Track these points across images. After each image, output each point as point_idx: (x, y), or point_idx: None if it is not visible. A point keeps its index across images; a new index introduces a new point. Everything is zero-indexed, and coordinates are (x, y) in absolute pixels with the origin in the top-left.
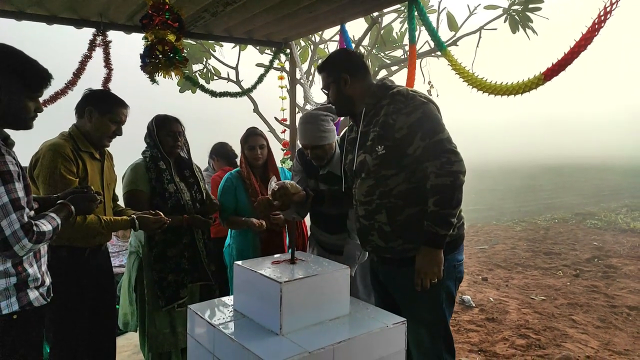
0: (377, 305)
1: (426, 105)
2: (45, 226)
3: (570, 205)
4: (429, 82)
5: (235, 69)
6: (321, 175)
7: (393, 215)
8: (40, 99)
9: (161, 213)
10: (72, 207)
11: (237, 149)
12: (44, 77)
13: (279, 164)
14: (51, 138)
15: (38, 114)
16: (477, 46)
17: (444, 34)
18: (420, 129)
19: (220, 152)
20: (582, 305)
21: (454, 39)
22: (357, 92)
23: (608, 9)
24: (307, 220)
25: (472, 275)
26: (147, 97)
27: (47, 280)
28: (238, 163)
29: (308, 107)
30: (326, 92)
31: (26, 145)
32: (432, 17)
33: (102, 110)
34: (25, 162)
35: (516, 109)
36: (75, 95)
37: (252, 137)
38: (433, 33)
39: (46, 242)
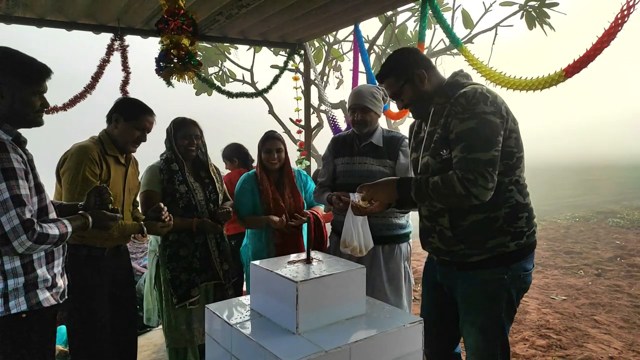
0: (427, 304)
1: (484, 116)
2: (52, 230)
3: (592, 204)
4: None
5: (250, 71)
6: (363, 145)
7: (456, 220)
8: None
9: (165, 208)
10: (90, 219)
11: (252, 150)
12: (43, 71)
13: (294, 165)
14: (82, 140)
15: (45, 109)
16: (493, 44)
17: (459, 31)
18: (465, 140)
19: (239, 154)
20: (605, 305)
21: (469, 36)
22: (435, 87)
23: (631, 2)
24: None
25: None
26: (163, 100)
27: (61, 283)
28: (253, 166)
29: (323, 107)
30: (397, 98)
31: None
32: (447, 15)
33: (128, 117)
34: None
35: (537, 113)
36: (101, 101)
37: (269, 141)
38: (448, 30)
39: (50, 246)
